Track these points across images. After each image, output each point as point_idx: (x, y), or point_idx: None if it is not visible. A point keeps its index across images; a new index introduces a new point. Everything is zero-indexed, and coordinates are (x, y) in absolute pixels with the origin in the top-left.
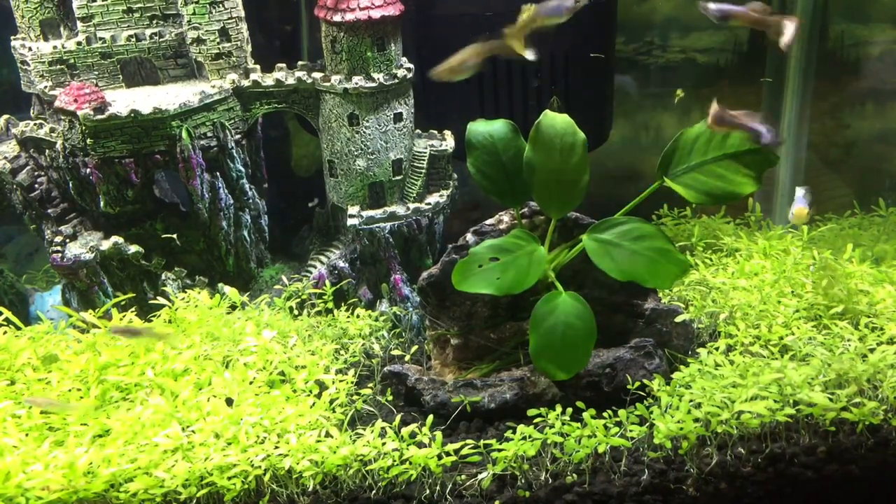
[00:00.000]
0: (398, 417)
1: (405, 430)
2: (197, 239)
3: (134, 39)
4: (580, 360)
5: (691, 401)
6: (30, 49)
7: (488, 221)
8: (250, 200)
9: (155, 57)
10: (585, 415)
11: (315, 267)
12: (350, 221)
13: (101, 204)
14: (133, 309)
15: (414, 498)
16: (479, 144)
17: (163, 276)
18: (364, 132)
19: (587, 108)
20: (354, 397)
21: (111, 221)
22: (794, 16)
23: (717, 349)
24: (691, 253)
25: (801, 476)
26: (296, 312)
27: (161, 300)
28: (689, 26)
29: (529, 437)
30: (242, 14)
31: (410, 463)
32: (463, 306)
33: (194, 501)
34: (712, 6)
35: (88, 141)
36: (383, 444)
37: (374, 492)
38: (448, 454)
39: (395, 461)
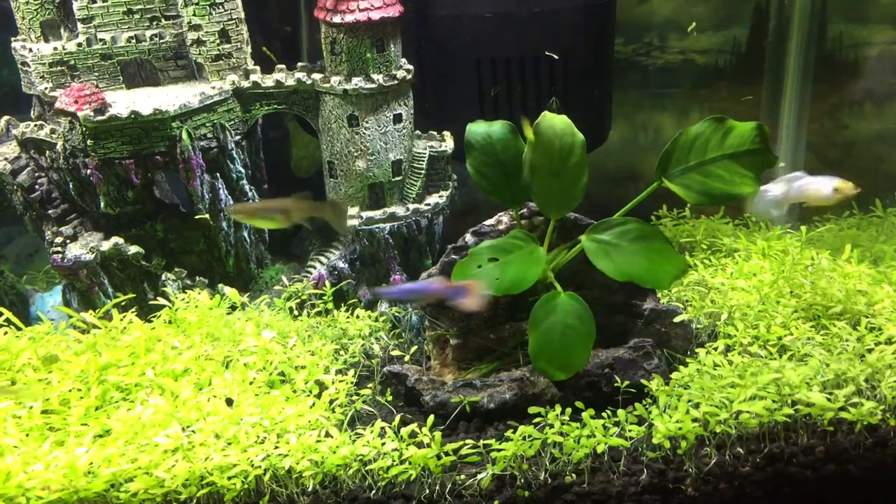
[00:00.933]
0: (398, 417)
1: (405, 430)
2: (197, 240)
3: (134, 41)
4: (579, 360)
5: (690, 401)
6: (30, 50)
7: (487, 222)
8: (250, 201)
9: (155, 58)
10: (584, 415)
11: (315, 267)
12: (350, 222)
13: (102, 205)
14: (133, 309)
15: (413, 498)
16: (478, 145)
17: (163, 277)
18: (364, 133)
19: (586, 108)
20: (354, 397)
21: (111, 222)
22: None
23: (715, 349)
24: (691, 253)
25: (799, 476)
26: (296, 313)
27: (161, 301)
28: (689, 27)
29: (529, 437)
30: (242, 15)
31: (410, 463)
32: None
33: (194, 501)
34: None
35: (89, 142)
36: (383, 444)
37: (373, 492)
38: (447, 454)
39: (394, 461)
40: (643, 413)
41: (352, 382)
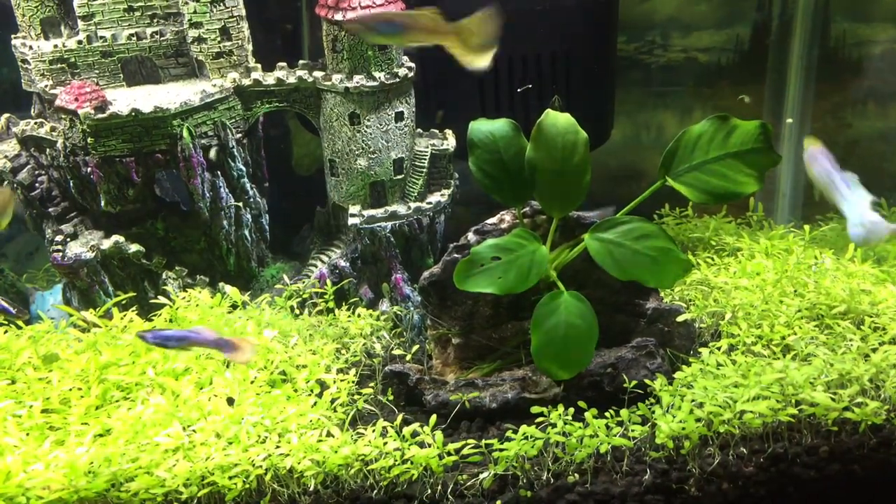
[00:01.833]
0: (399, 417)
1: (407, 430)
2: (198, 238)
3: (135, 38)
4: (582, 359)
5: (693, 400)
6: (30, 48)
7: (490, 221)
8: (251, 199)
9: (156, 56)
10: (587, 414)
11: (316, 266)
12: (351, 221)
13: (102, 203)
14: (134, 308)
15: (415, 498)
16: (480, 143)
17: (164, 276)
18: (365, 131)
19: (588, 107)
20: (356, 397)
21: (112, 220)
22: None
23: (718, 349)
24: (693, 252)
25: (803, 476)
26: (297, 312)
27: (162, 299)
28: (691, 26)
29: (531, 436)
30: (243, 13)
31: (412, 463)
32: (464, 306)
33: (195, 501)
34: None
35: (89, 140)
36: (385, 443)
37: (375, 491)
38: (449, 454)
39: (396, 461)
40: (646, 413)
41: (353, 382)
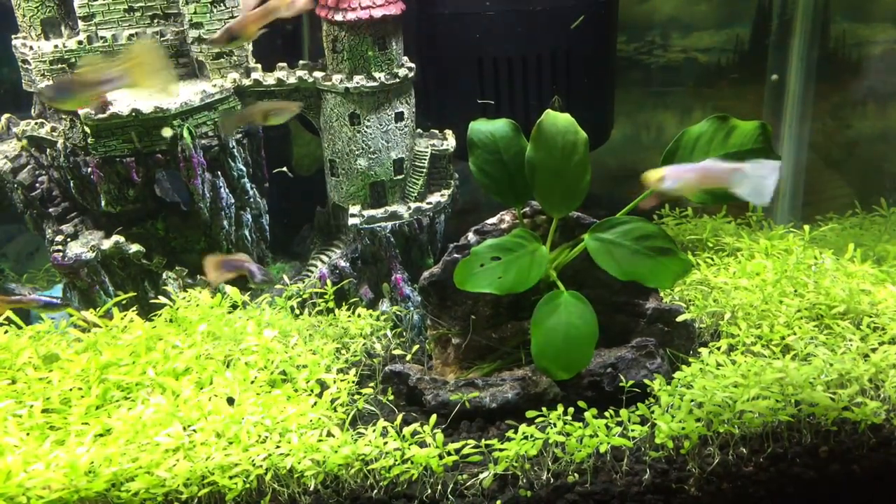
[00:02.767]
0: (399, 417)
1: (407, 430)
2: (198, 238)
3: (135, 39)
4: (582, 359)
5: (693, 400)
6: (31, 48)
7: (490, 221)
8: (251, 199)
9: None
10: (587, 414)
11: (316, 266)
12: (351, 221)
13: (102, 203)
14: (134, 308)
15: (415, 497)
16: (480, 143)
17: (164, 276)
18: (365, 131)
19: (588, 107)
20: (356, 397)
21: (112, 221)
22: None
23: (718, 349)
24: (693, 252)
25: (802, 476)
26: (297, 312)
27: (162, 299)
28: (691, 26)
29: (531, 436)
30: None
31: (412, 462)
32: (464, 306)
33: (196, 501)
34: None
35: (90, 140)
36: (385, 443)
37: (375, 491)
38: (449, 454)
39: (396, 461)
40: (646, 413)
41: (353, 381)
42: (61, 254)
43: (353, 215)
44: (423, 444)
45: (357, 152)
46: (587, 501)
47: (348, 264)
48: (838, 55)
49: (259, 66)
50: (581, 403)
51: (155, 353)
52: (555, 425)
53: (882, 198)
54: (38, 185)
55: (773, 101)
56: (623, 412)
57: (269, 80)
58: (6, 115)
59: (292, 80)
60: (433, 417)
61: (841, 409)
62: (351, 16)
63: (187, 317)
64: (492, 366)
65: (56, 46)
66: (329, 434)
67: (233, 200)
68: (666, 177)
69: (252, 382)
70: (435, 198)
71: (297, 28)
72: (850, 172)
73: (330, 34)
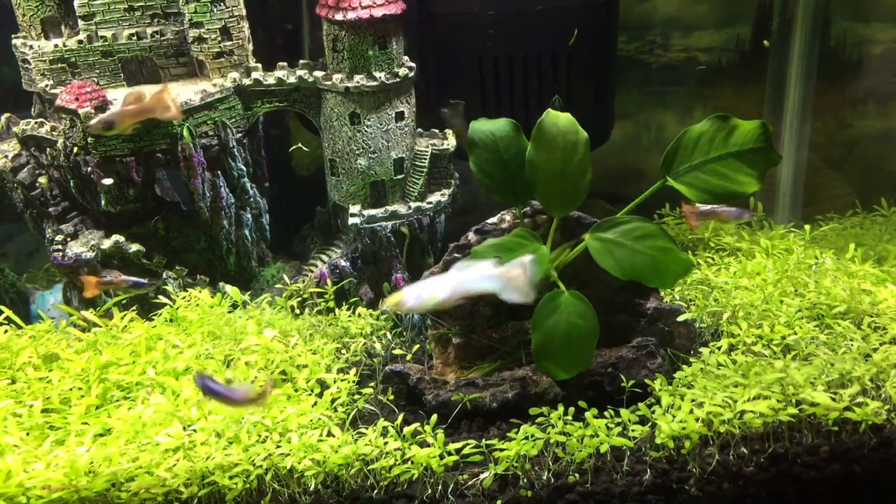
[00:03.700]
0: (400, 417)
1: (407, 430)
2: (198, 238)
3: (135, 38)
4: (582, 359)
5: (693, 400)
6: (31, 47)
7: (490, 220)
8: (251, 199)
9: (156, 55)
10: (587, 414)
11: (316, 266)
12: (351, 220)
13: (102, 203)
14: (134, 308)
15: (416, 497)
16: (481, 143)
17: (164, 275)
18: (365, 131)
19: (589, 106)
20: (356, 396)
21: (112, 220)
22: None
23: (719, 349)
24: (693, 252)
25: (803, 476)
26: (297, 311)
27: (162, 299)
28: (691, 25)
29: (531, 436)
30: (244, 12)
31: (412, 462)
32: (464, 305)
33: (196, 501)
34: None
35: (89, 139)
36: (385, 443)
37: (375, 491)
38: (450, 453)
39: (396, 461)
40: (646, 413)
41: (353, 381)
42: (61, 253)
43: (353, 215)
44: (423, 444)
45: (357, 152)
46: (588, 501)
47: (348, 264)
48: (839, 55)
49: (259, 65)
50: (582, 403)
51: (155, 353)
52: (555, 425)
53: (883, 197)
54: (38, 184)
55: (773, 100)
56: (624, 412)
57: (270, 79)
58: (6, 115)
59: (292, 79)
60: (433, 417)
61: (842, 409)
62: (351, 15)
63: (187, 316)
64: (492, 366)
65: (56, 46)
66: (329, 434)
67: (233, 200)
68: (405, 300)
69: (252, 382)
70: (435, 197)
71: (298, 27)
72: (851, 172)
73: (330, 33)
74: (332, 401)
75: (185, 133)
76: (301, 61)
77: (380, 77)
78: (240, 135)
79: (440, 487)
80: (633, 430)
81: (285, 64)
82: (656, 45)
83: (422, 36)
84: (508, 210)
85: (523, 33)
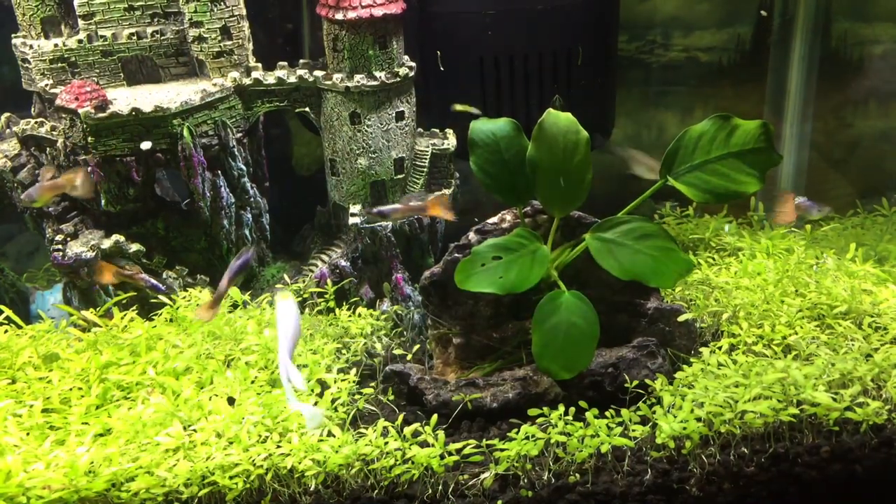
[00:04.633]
0: (400, 417)
1: (408, 430)
2: (198, 237)
3: (135, 37)
4: (583, 359)
5: (694, 400)
6: (31, 47)
7: (491, 220)
8: (252, 199)
9: (156, 55)
10: (588, 414)
11: (317, 266)
12: (352, 220)
13: (103, 202)
14: (134, 307)
15: (416, 497)
16: (481, 143)
17: (164, 275)
18: (366, 131)
19: (589, 106)
20: (356, 396)
21: (112, 220)
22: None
23: (720, 349)
24: (694, 252)
25: (804, 476)
26: None
27: (162, 299)
28: (692, 25)
29: (532, 436)
30: (244, 12)
31: (413, 462)
32: (465, 305)
33: (196, 501)
34: None
35: (90, 139)
36: (385, 443)
37: (376, 491)
38: (450, 454)
39: (397, 461)
40: (647, 413)
41: (354, 381)
42: (61, 253)
43: (353, 215)
44: (424, 444)
45: (357, 151)
46: (588, 501)
47: (349, 264)
48: (840, 54)
49: (259, 65)
50: (582, 403)
51: (155, 353)
52: (556, 425)
53: (884, 197)
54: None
55: (774, 100)
56: (624, 412)
57: (270, 79)
58: (6, 115)
59: (293, 79)
60: (434, 417)
61: (843, 409)
62: (352, 14)
63: (187, 316)
64: (493, 365)
65: (56, 45)
66: (330, 434)
67: (233, 200)
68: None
69: (252, 382)
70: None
71: (298, 27)
72: (852, 172)
73: (330, 33)
74: (333, 401)
75: (186, 133)
76: (301, 61)
77: (380, 77)
78: (240, 134)
79: (441, 487)
80: (633, 430)
81: (285, 63)
82: (657, 44)
83: (422, 35)
84: (509, 210)
85: (524, 33)
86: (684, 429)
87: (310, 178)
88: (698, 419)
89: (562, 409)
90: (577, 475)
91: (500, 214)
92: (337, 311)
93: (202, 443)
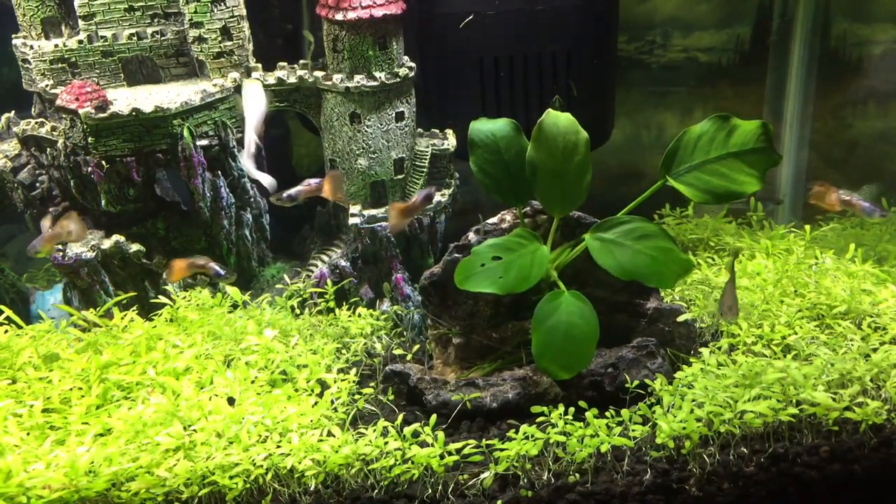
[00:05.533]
0: (400, 417)
1: (407, 430)
2: (198, 238)
3: (135, 38)
4: (582, 359)
5: (694, 400)
6: (31, 47)
7: (490, 220)
8: (252, 199)
9: (156, 55)
10: (588, 414)
11: (316, 266)
12: (352, 220)
13: (103, 203)
14: (134, 308)
15: (416, 497)
16: (481, 143)
17: (164, 275)
18: (366, 131)
19: (589, 106)
20: (356, 396)
21: (112, 220)
22: None
23: (719, 349)
24: (693, 252)
25: (804, 476)
26: (297, 311)
27: (162, 299)
28: (692, 25)
29: (532, 436)
30: (244, 13)
31: (413, 462)
32: (465, 305)
33: (196, 501)
34: None
35: (90, 139)
36: (385, 443)
37: (376, 491)
38: (450, 453)
39: (397, 460)
40: (647, 413)
41: (354, 381)
42: (61, 253)
43: (353, 215)
44: (423, 444)
45: (357, 152)
46: (588, 501)
47: (349, 264)
48: (839, 55)
49: (259, 65)
50: (582, 403)
51: (155, 353)
52: (556, 425)
53: (883, 198)
54: (38, 184)
55: (773, 100)
56: (624, 412)
57: (270, 79)
58: (6, 115)
59: (293, 79)
60: (434, 417)
61: (842, 408)
62: (351, 15)
63: (187, 316)
64: (492, 365)
65: (56, 46)
66: (329, 434)
67: (233, 200)
68: None
69: (252, 382)
70: (436, 197)
71: (298, 27)
72: (851, 172)
73: (330, 33)
74: (333, 401)
75: (186, 133)
76: (301, 61)
77: (380, 77)
78: (240, 135)
79: (440, 487)
80: (633, 430)
81: (285, 64)
82: (656, 45)
83: (422, 36)
84: (509, 210)
85: (524, 33)
86: (684, 429)
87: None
88: (698, 419)
89: (561, 408)
90: (577, 475)
91: (499, 215)
92: (337, 311)
93: (202, 443)
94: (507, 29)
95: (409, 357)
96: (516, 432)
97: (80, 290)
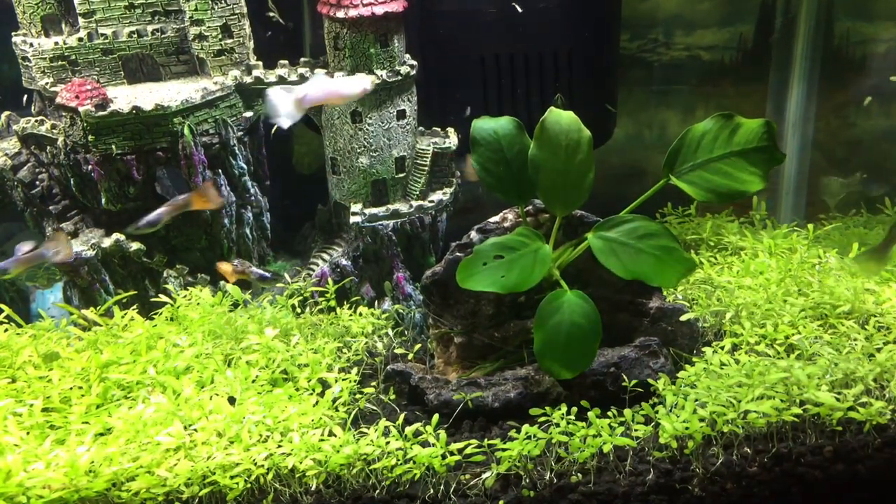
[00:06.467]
0: (401, 416)
1: (409, 429)
2: (199, 236)
3: (136, 36)
4: (585, 358)
5: (697, 400)
6: (31, 45)
7: (492, 219)
8: (252, 197)
9: (157, 53)
10: (590, 414)
11: (317, 265)
12: (353, 219)
13: (103, 201)
14: (135, 306)
15: (418, 497)
16: (483, 141)
17: (164, 274)
18: (367, 129)
19: (591, 105)
20: (357, 396)
21: (112, 218)
22: None
23: (722, 348)
24: (696, 251)
25: (807, 476)
26: (298, 310)
27: (163, 298)
28: (694, 24)
29: (534, 436)
30: (244, 10)
31: (414, 462)
32: (467, 304)
33: (197, 500)
34: None
35: (90, 137)
36: (387, 443)
37: (377, 491)
38: (452, 453)
39: (398, 460)
40: (649, 412)
41: (355, 381)
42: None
43: (354, 213)
44: (425, 444)
45: (359, 150)
46: (590, 501)
47: (350, 263)
48: (842, 53)
49: (260, 63)
50: (584, 403)
51: (155, 352)
52: (558, 425)
53: (886, 197)
54: (38, 182)
55: (776, 99)
56: (627, 412)
57: (271, 77)
58: (6, 113)
59: (294, 77)
60: (435, 417)
61: (846, 408)
62: (353, 13)
63: (188, 315)
64: (494, 365)
65: (56, 43)
66: (331, 433)
67: (234, 198)
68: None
69: (253, 381)
70: (437, 196)
71: (299, 25)
72: (855, 171)
73: (332, 31)
74: (334, 400)
75: (186, 131)
76: (302, 59)
77: (381, 75)
78: (241, 133)
79: (442, 487)
80: (636, 430)
81: (286, 62)
82: (659, 43)
83: (424, 34)
84: (511, 209)
85: (526, 31)
86: (687, 428)
87: (310, 177)
88: (701, 419)
89: (564, 408)
90: (580, 475)
91: (501, 213)
92: (338, 310)
93: (203, 442)
94: (509, 27)
95: (410, 356)
96: (518, 432)
97: (81, 288)
